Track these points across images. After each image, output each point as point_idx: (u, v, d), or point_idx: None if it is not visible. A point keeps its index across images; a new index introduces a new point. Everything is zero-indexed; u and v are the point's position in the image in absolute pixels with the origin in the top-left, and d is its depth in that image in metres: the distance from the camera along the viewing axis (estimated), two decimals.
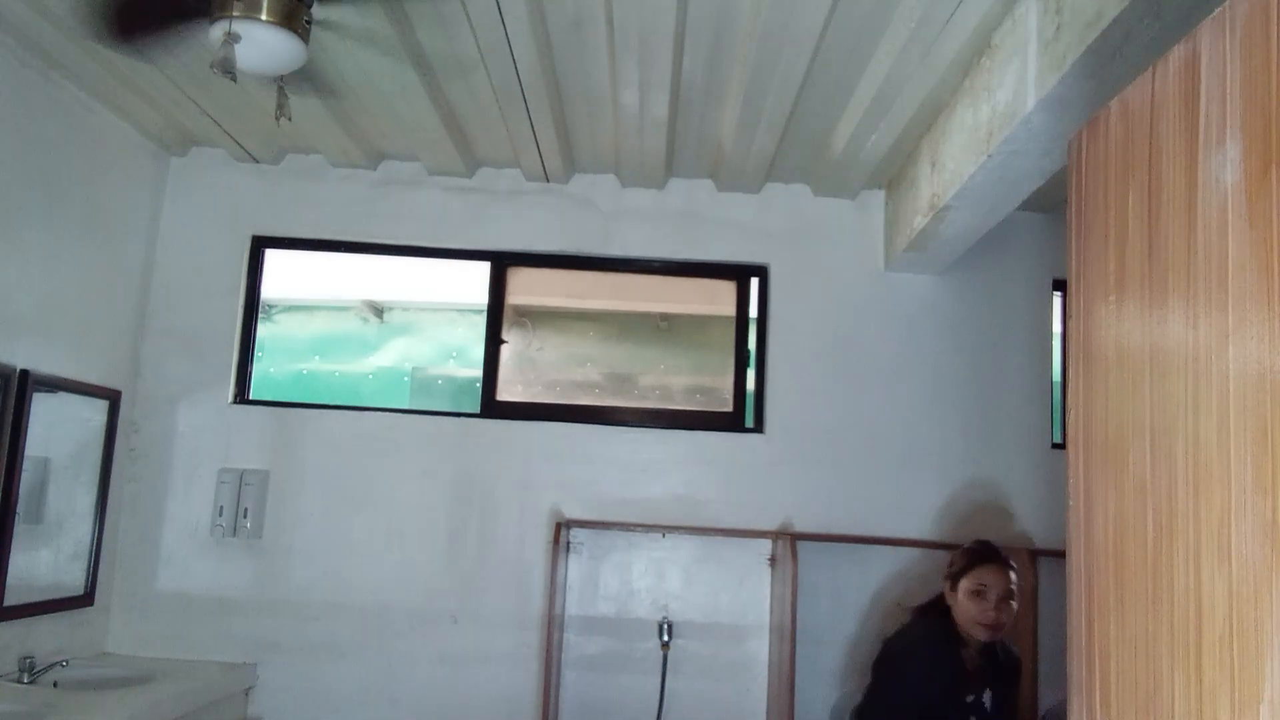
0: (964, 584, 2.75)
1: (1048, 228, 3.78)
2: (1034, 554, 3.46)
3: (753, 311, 3.81)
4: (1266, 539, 0.91)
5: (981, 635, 2.71)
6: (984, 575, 2.73)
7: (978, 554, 2.80)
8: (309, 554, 3.59)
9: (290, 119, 2.65)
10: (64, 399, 3.20)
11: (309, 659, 3.53)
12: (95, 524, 3.38)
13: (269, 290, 3.84)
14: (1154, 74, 1.18)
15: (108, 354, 3.46)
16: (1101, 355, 1.30)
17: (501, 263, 3.81)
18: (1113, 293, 1.26)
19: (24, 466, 2.97)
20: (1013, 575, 2.75)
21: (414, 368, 4.01)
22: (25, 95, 2.94)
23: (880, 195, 3.78)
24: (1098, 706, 1.25)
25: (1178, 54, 1.12)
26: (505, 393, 3.77)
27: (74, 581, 3.30)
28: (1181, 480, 1.07)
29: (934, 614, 2.85)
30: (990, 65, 2.53)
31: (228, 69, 2.23)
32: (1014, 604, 2.72)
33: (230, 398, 3.69)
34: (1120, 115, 1.27)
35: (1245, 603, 0.94)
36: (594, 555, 3.61)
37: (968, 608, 2.72)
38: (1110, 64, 1.95)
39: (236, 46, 2.22)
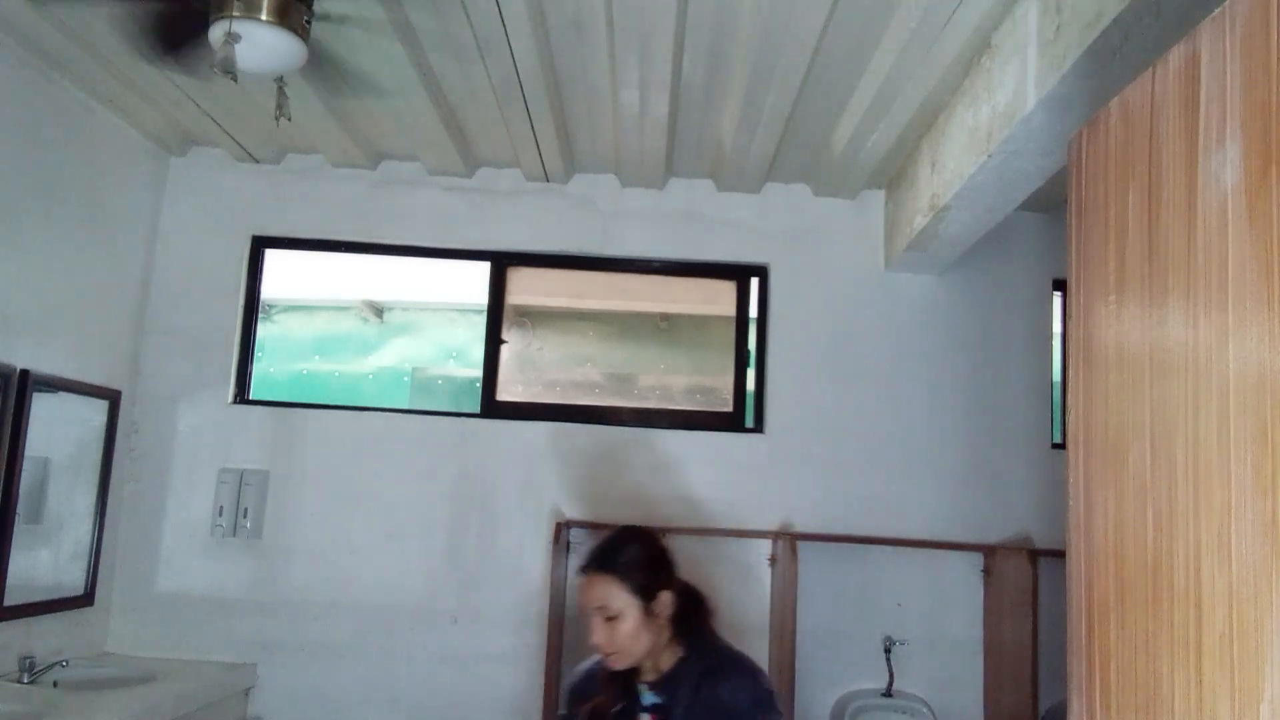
0: None
1: (1048, 228, 3.78)
2: (1034, 554, 3.45)
3: (753, 311, 3.81)
4: (1266, 539, 0.91)
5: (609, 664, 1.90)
6: (580, 591, 1.93)
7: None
8: (309, 554, 3.58)
9: (290, 119, 2.65)
10: (64, 399, 3.19)
11: (309, 659, 3.53)
12: (95, 524, 3.38)
13: (269, 290, 3.84)
14: (1154, 74, 1.18)
15: (108, 354, 3.46)
16: (1101, 355, 1.30)
17: (501, 263, 3.81)
18: (1113, 293, 1.26)
19: (24, 466, 2.97)
20: (610, 585, 1.86)
21: (414, 368, 4.01)
22: (25, 95, 2.94)
23: (880, 195, 3.78)
24: (1098, 706, 1.25)
25: (1178, 54, 1.12)
26: (505, 393, 3.77)
27: (74, 581, 3.30)
28: (1181, 480, 1.07)
29: None
30: (990, 65, 2.52)
31: (228, 69, 2.23)
32: (625, 622, 1.84)
33: (230, 398, 3.69)
34: (1120, 115, 1.27)
35: (1245, 602, 0.93)
36: None
37: None
38: (1110, 64, 1.95)
39: (236, 46, 2.22)
